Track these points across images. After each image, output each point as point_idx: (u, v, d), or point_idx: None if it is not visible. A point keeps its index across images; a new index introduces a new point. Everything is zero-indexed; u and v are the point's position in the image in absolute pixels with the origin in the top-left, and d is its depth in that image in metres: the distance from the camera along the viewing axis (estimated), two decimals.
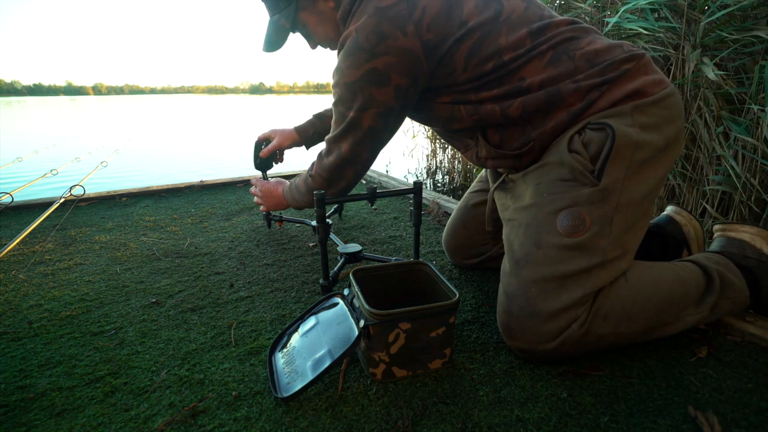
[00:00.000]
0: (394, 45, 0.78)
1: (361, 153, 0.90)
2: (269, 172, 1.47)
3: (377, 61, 0.79)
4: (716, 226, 0.95)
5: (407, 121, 4.25)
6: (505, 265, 0.81)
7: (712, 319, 0.83)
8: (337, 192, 0.96)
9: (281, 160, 1.34)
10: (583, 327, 0.72)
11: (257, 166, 1.36)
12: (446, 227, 1.16)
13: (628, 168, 0.74)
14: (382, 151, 0.94)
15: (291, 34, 0.97)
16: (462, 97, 0.83)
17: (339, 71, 0.84)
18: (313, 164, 0.98)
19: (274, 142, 1.27)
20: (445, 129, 0.93)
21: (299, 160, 5.19)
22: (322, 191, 0.93)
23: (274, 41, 0.97)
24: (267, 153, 1.28)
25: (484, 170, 1.11)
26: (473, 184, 1.13)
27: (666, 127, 0.77)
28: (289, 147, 1.28)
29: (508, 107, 0.80)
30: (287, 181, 1.12)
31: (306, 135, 1.26)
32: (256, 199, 1.21)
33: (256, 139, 1.33)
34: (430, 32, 0.78)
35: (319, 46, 1.00)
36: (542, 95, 0.78)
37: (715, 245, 0.93)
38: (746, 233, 0.89)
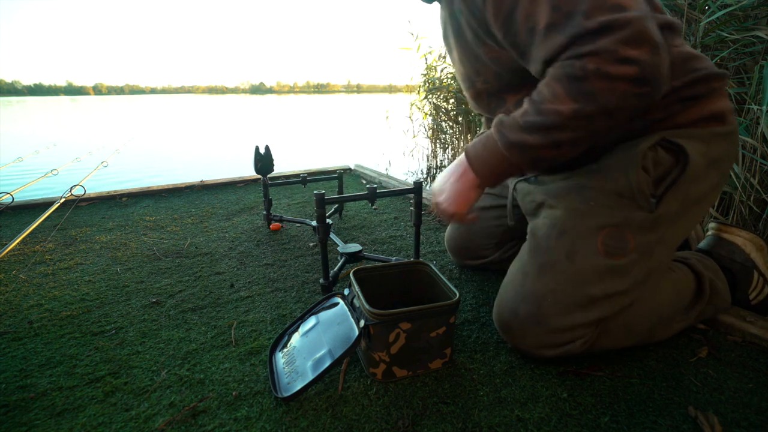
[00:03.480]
0: None
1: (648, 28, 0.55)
2: (274, 171, 1.48)
3: None
4: (711, 224, 0.95)
5: (407, 120, 4.21)
6: (523, 263, 0.76)
7: (694, 324, 0.84)
8: (605, 111, 0.59)
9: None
10: (586, 344, 0.72)
11: (258, 171, 1.36)
12: (449, 227, 1.15)
13: (683, 202, 0.70)
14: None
15: None
16: None
17: None
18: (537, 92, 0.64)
19: None
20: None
21: (299, 162, 5.19)
22: (323, 192, 0.93)
23: None
24: None
25: None
26: None
27: (724, 165, 0.72)
28: None
29: None
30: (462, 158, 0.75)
31: None
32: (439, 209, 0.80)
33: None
34: None
35: None
36: None
37: (704, 243, 0.93)
38: (740, 237, 0.89)
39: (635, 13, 0.55)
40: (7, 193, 1.49)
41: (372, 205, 1.10)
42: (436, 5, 0.86)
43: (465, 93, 0.90)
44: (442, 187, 0.78)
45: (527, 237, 0.80)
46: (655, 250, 0.71)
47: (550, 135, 0.62)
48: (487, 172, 0.71)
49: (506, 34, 0.65)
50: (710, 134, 0.69)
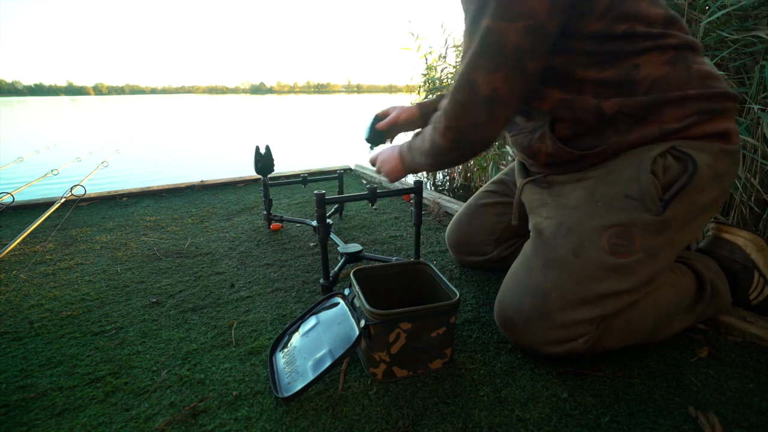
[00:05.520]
0: None
1: (498, 86, 0.67)
2: (274, 171, 1.47)
3: None
4: (712, 225, 0.95)
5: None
6: (527, 258, 0.77)
7: (694, 324, 0.84)
8: (467, 151, 0.76)
9: (391, 139, 1.16)
10: (588, 342, 0.72)
11: (258, 171, 1.35)
12: (452, 221, 1.16)
13: (690, 209, 0.72)
14: (520, 95, 0.70)
15: None
16: (570, 65, 0.72)
17: None
18: (439, 114, 0.78)
19: (391, 116, 1.10)
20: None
21: (299, 162, 5.19)
22: (323, 192, 0.93)
23: None
24: (384, 126, 1.10)
25: (499, 172, 1.09)
26: (487, 184, 1.12)
27: (725, 181, 0.74)
28: (406, 121, 1.10)
29: (604, 101, 0.72)
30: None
31: (426, 111, 1.08)
32: (376, 166, 1.02)
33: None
34: None
35: None
36: (645, 101, 0.70)
37: (705, 244, 0.94)
38: (741, 238, 0.90)
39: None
40: (8, 193, 1.49)
41: (372, 205, 1.10)
42: None
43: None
44: (382, 165, 1.00)
45: (531, 235, 0.82)
46: (661, 252, 0.72)
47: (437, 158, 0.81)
48: (409, 169, 0.94)
49: None
50: (717, 149, 0.71)
